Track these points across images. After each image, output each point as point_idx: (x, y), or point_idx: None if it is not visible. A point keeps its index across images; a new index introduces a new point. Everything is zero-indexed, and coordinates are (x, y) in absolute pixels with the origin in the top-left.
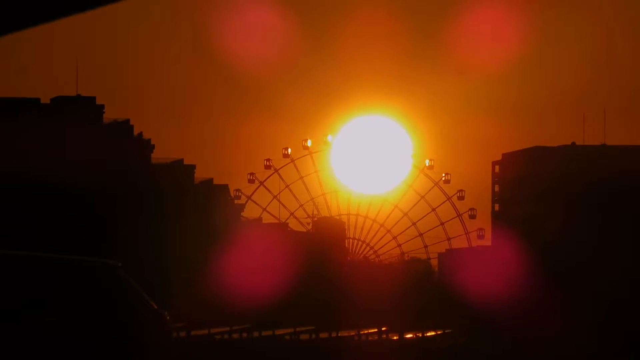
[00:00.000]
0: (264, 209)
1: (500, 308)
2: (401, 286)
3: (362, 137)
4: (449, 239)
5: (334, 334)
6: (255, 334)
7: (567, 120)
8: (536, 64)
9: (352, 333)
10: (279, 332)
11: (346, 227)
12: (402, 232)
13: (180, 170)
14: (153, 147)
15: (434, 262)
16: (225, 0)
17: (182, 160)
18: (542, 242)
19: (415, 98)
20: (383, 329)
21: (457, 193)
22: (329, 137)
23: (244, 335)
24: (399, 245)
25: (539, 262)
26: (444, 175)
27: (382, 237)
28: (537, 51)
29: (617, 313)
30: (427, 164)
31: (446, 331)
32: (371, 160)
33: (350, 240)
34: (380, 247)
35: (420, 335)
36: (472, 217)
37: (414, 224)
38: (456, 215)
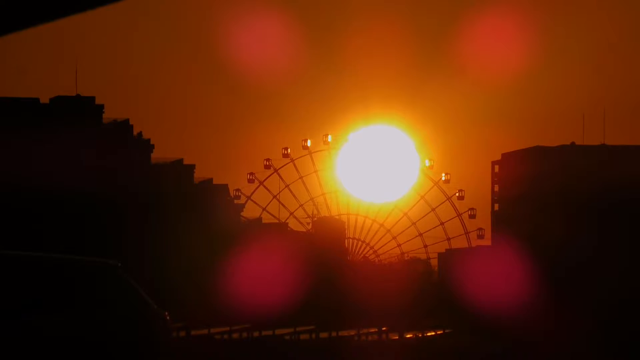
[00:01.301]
0: (264, 209)
1: (500, 308)
2: (401, 286)
3: (367, 145)
4: (448, 238)
5: (334, 334)
6: (255, 333)
7: (567, 120)
8: (536, 63)
9: (352, 333)
10: (279, 331)
11: (346, 227)
12: (402, 232)
13: (180, 170)
14: (153, 146)
15: (434, 262)
16: (228, 1)
17: (181, 160)
18: (542, 242)
19: (415, 99)
20: (383, 329)
21: (456, 193)
22: (329, 137)
23: (244, 335)
24: (399, 245)
25: (538, 262)
26: (443, 175)
27: (382, 237)
28: (537, 51)
29: (620, 315)
30: (426, 164)
31: (446, 331)
32: (377, 168)
33: (350, 240)
34: (380, 247)
35: (420, 335)
36: (472, 217)
37: (413, 223)
38: (456, 215)
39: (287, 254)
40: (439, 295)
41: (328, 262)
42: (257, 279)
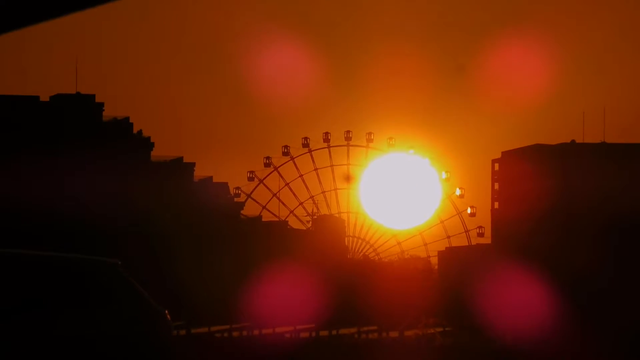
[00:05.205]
0: (264, 207)
1: (500, 308)
2: (401, 284)
3: (385, 173)
4: (448, 237)
5: (333, 332)
6: (255, 331)
7: (567, 118)
8: (536, 63)
9: (352, 331)
10: (279, 329)
11: (346, 225)
12: (402, 230)
13: (180, 168)
14: (153, 144)
15: (434, 260)
16: (227, 1)
17: (181, 158)
18: (541, 241)
19: (414, 99)
20: (383, 327)
21: (457, 191)
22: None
23: (244, 333)
24: (399, 243)
25: (538, 262)
26: (443, 173)
27: (382, 235)
28: (537, 51)
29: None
30: (428, 162)
31: (446, 329)
32: (395, 193)
33: (350, 238)
34: (380, 245)
35: (420, 333)
36: (472, 215)
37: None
38: (456, 213)
39: (286, 253)
40: (438, 293)
41: (328, 260)
42: (255, 278)
